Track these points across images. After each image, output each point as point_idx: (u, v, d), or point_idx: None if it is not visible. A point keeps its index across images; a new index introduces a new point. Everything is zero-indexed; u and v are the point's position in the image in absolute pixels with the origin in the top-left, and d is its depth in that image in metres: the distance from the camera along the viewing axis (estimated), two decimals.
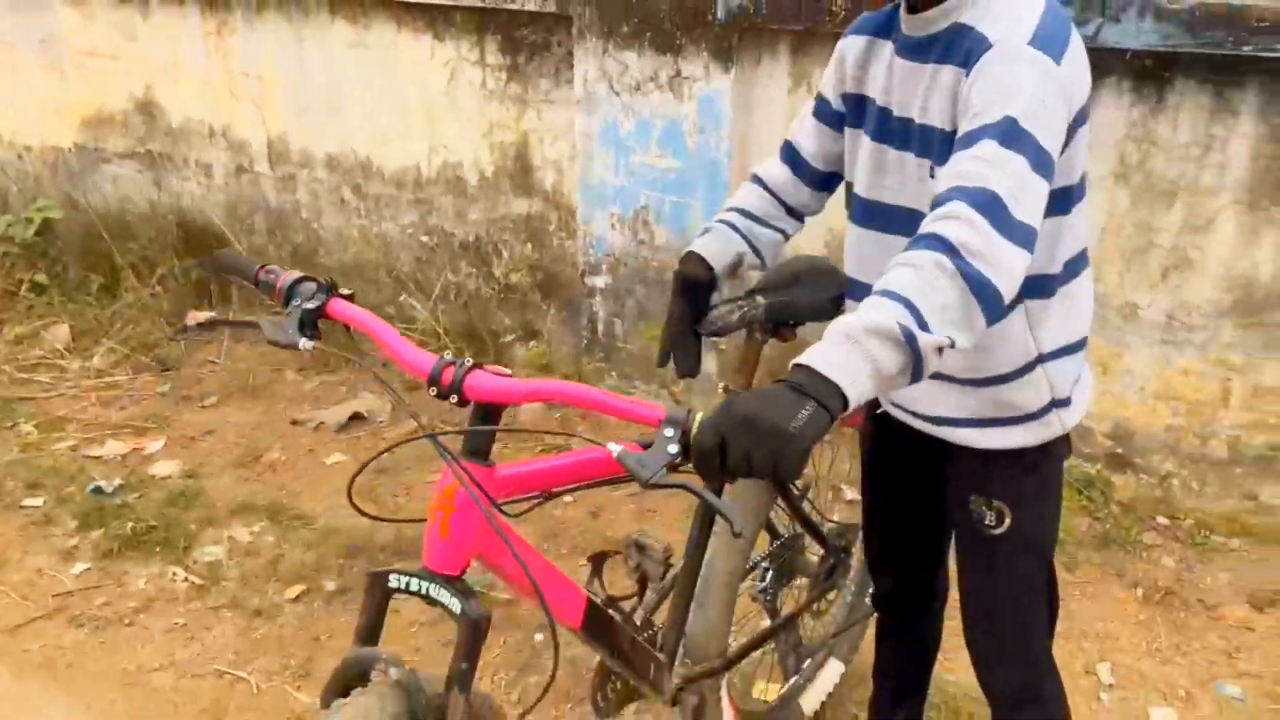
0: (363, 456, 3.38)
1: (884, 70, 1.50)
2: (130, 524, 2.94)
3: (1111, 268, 2.77)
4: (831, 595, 2.25)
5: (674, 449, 1.17)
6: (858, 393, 1.14)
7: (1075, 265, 1.50)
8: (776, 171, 1.74)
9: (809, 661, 2.26)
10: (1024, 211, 1.24)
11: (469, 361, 1.34)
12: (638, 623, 1.81)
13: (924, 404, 1.62)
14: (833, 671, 2.35)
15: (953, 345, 1.20)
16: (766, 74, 2.98)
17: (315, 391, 3.78)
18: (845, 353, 1.16)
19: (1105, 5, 2.51)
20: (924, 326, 1.17)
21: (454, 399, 1.31)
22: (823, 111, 1.64)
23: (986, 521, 1.62)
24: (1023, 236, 1.23)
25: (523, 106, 3.38)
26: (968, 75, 1.34)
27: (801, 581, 2.19)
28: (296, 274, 1.53)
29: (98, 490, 3.11)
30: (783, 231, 1.76)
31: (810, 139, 1.67)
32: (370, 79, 3.56)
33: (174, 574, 2.80)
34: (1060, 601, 1.74)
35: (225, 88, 3.83)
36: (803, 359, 1.15)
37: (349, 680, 1.34)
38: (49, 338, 4.02)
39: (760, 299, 1.73)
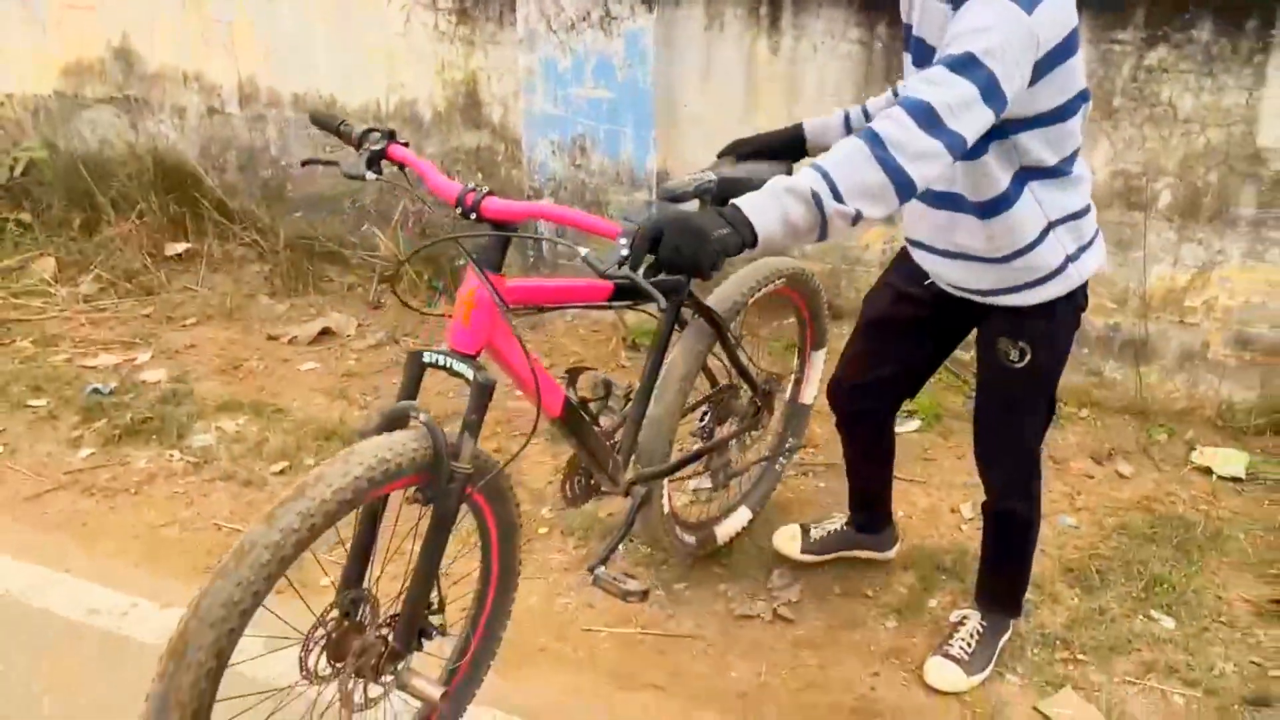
0: (334, 364, 3.79)
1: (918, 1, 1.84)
2: (129, 415, 3.32)
3: None
4: (756, 434, 2.72)
5: (625, 251, 1.51)
6: (766, 234, 1.49)
7: (1073, 157, 1.86)
8: (882, 98, 2.21)
9: (734, 482, 2.71)
10: (957, 124, 1.53)
11: (485, 189, 1.75)
12: (601, 427, 2.23)
13: (971, 281, 2.02)
14: (743, 515, 2.81)
15: (860, 216, 1.52)
16: (685, 14, 3.41)
17: (287, 313, 4.16)
18: (765, 201, 1.50)
19: None
20: (837, 197, 1.49)
21: (473, 216, 1.73)
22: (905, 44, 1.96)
23: (1010, 357, 2.02)
24: (948, 140, 1.53)
25: (471, 47, 3.78)
26: (954, 10, 1.64)
27: (733, 422, 2.65)
28: (365, 126, 1.91)
29: (95, 391, 3.48)
30: None
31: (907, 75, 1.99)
32: (333, 23, 3.93)
33: (171, 455, 3.19)
34: (1055, 415, 2.21)
35: (199, 35, 4.17)
36: (736, 200, 1.51)
37: (391, 424, 1.72)
38: (37, 269, 4.35)
39: (712, 174, 2.12)
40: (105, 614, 2.49)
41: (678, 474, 2.45)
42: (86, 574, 2.63)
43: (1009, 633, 2.41)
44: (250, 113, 4.25)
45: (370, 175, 1.87)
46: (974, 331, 2.17)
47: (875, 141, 1.52)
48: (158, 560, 2.72)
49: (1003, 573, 2.38)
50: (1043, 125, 1.75)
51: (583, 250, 1.63)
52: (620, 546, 2.43)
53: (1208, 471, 3.09)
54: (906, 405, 2.63)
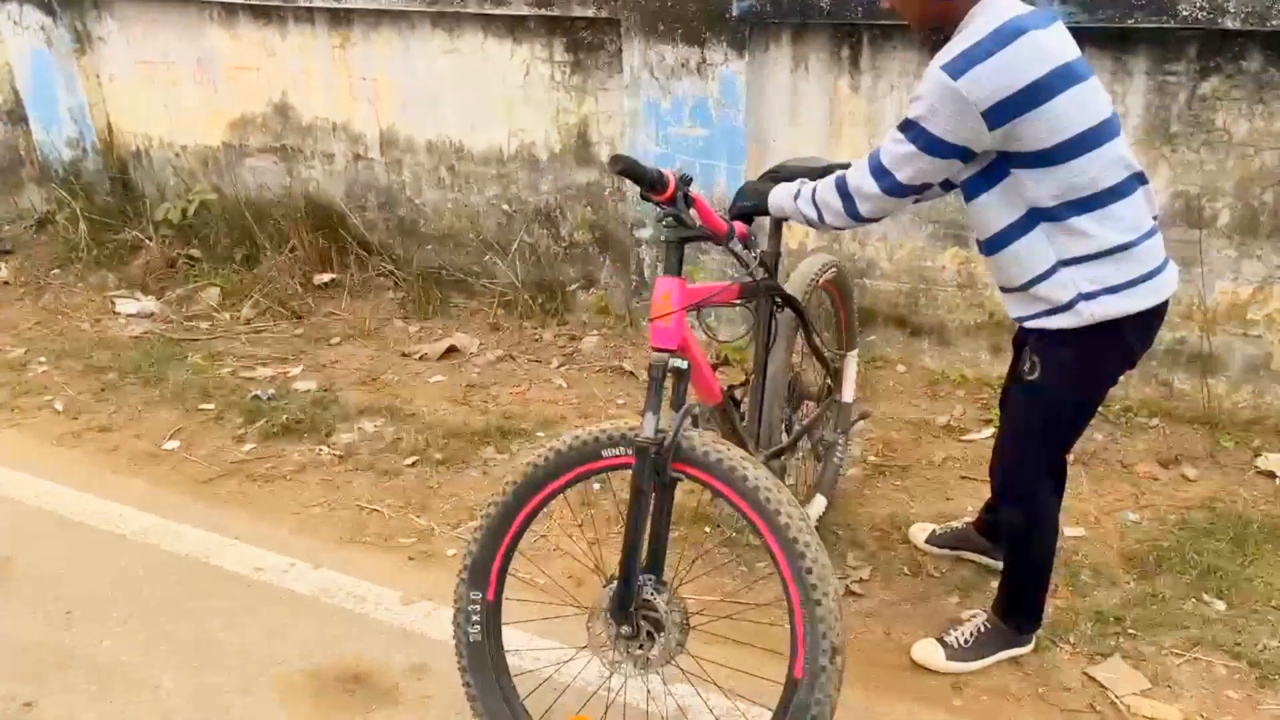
0: (458, 377, 4.24)
1: None
2: (284, 417, 3.82)
3: None
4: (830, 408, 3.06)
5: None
6: (776, 208, 2.33)
7: (1081, 203, 1.97)
8: None
9: (832, 449, 3.10)
10: (898, 173, 2.03)
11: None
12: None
13: (1013, 311, 2.21)
14: (819, 504, 3.10)
15: (821, 219, 2.21)
16: (773, 57, 3.78)
17: (418, 334, 4.64)
18: (787, 193, 2.31)
19: None
20: (810, 202, 2.22)
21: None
22: None
23: (1025, 367, 2.20)
24: (888, 184, 2.06)
25: (583, 94, 4.23)
26: None
27: (808, 405, 2.96)
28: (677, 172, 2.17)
29: (256, 397, 4.00)
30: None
31: None
32: (462, 78, 4.45)
33: (320, 450, 3.66)
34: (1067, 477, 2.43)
35: (346, 91, 4.75)
36: (773, 188, 2.33)
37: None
38: (204, 298, 4.96)
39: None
40: (269, 570, 2.94)
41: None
42: (252, 540, 3.10)
43: (1010, 650, 2.51)
44: (389, 158, 4.79)
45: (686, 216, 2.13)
46: None
47: (841, 178, 2.15)
48: (310, 531, 3.17)
49: (1007, 579, 2.51)
50: (1044, 165, 1.94)
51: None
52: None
53: (1271, 475, 3.24)
54: None
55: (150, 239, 5.23)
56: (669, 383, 2.03)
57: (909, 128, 1.98)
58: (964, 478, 3.35)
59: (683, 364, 2.04)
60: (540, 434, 3.72)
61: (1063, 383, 2.18)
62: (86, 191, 5.54)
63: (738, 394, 2.58)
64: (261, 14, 4.79)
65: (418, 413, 3.91)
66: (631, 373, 4.16)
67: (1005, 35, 1.88)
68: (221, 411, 3.95)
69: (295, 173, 5.08)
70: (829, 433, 3.08)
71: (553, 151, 4.39)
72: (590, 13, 3.99)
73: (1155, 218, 2.10)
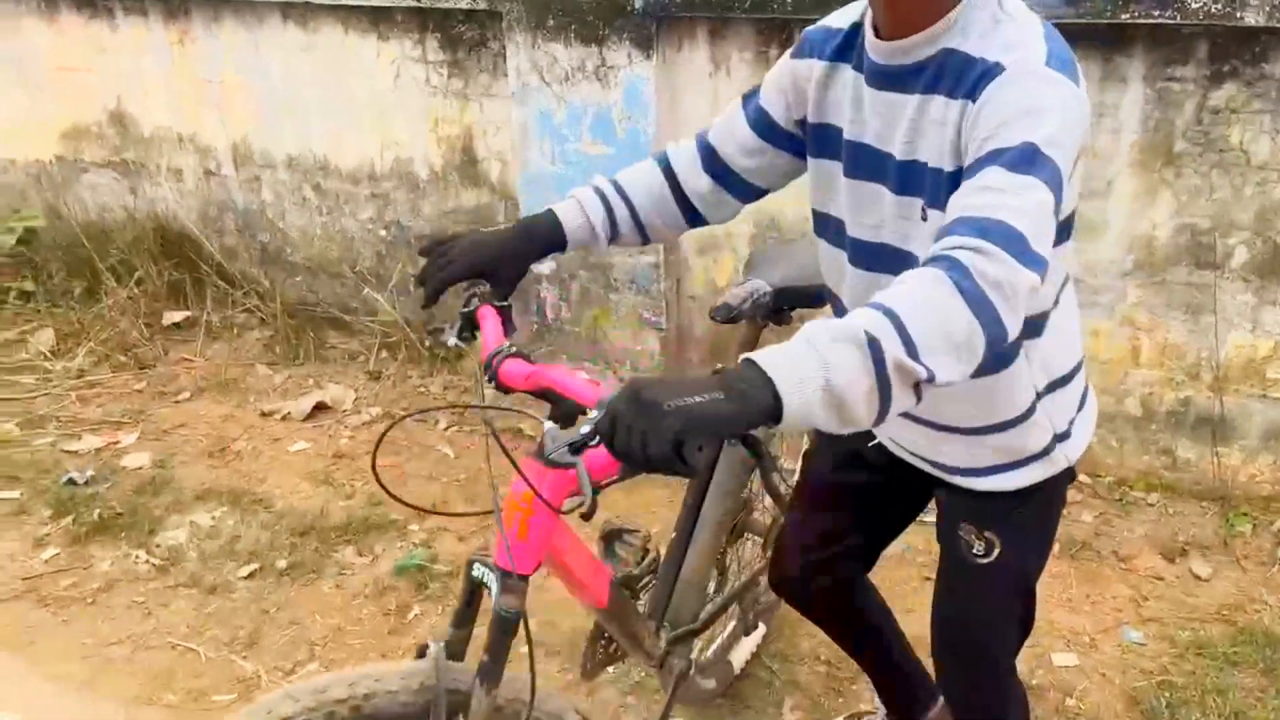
0: (325, 444, 3.54)
1: (849, 100, 1.38)
2: (99, 511, 3.09)
3: None
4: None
5: (587, 429, 1.11)
6: (800, 400, 0.98)
7: (1062, 295, 1.42)
8: (695, 177, 1.59)
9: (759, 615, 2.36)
10: (1041, 243, 1.11)
11: (511, 348, 1.43)
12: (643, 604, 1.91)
13: (926, 450, 1.55)
14: (756, 635, 2.46)
15: (932, 380, 1.03)
16: (686, 59, 3.09)
17: (284, 385, 3.92)
18: (797, 353, 1.00)
19: None
20: (910, 346, 1.01)
21: (493, 383, 1.43)
22: (763, 125, 1.52)
23: (975, 550, 1.55)
24: (1040, 269, 1.10)
25: (465, 101, 3.51)
26: (974, 102, 1.20)
27: (752, 540, 2.29)
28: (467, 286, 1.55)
29: (71, 481, 3.27)
30: (647, 238, 1.66)
31: (744, 153, 1.55)
32: (323, 80, 3.71)
33: (136, 556, 2.95)
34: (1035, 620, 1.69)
35: (190, 95, 3.99)
36: (758, 351, 1.02)
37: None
38: (34, 342, 4.19)
39: (765, 284, 1.83)
40: None
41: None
42: (22, 705, 2.39)
43: None
44: (245, 174, 4.05)
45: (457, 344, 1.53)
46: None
47: (959, 271, 1.06)
48: (100, 686, 2.47)
49: None
50: (1061, 241, 1.30)
51: (548, 424, 1.35)
52: (610, 669, 2.12)
53: None
54: None
55: None
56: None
57: (1034, 164, 1.13)
58: (927, 579, 2.73)
59: (511, 612, 1.37)
60: (413, 527, 3.04)
61: (1028, 550, 1.59)
62: None
63: (639, 572, 1.88)
64: (86, 3, 4.00)
65: (267, 496, 3.20)
66: (533, 437, 3.48)
67: (1065, 43, 1.25)
68: (26, 502, 3.21)
69: (140, 191, 4.31)
70: (766, 594, 2.31)
71: (433, 168, 3.68)
72: (465, 3, 3.27)
73: None
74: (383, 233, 3.89)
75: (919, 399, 1.04)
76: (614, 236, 1.63)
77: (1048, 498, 1.56)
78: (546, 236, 1.57)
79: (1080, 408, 1.52)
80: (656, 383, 1.01)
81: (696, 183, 1.59)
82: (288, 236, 4.10)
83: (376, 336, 3.97)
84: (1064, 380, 1.47)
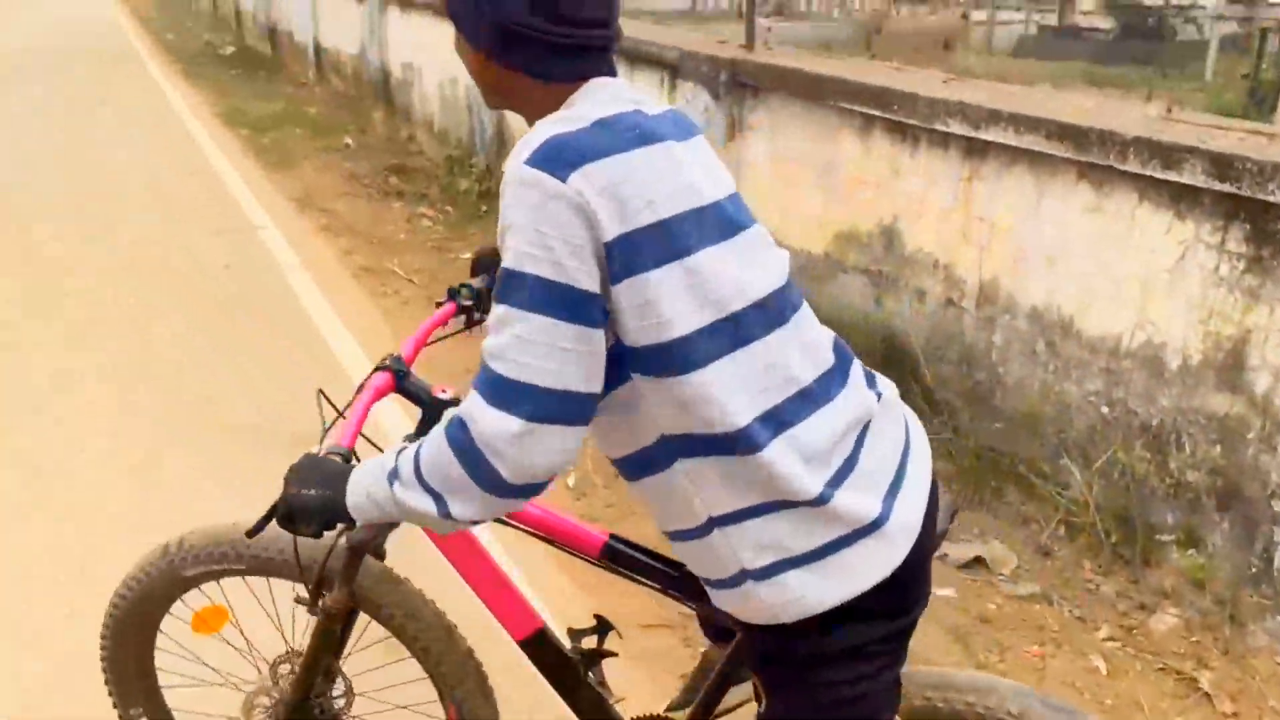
0: (972, 601, 3.40)
1: None
2: None
3: None
4: None
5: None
6: (354, 506, 1.35)
7: (723, 439, 1.30)
8: None
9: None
10: (528, 372, 1.19)
11: None
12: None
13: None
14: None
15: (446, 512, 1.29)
16: None
17: (953, 530, 3.88)
18: (369, 470, 1.37)
19: None
20: (420, 475, 1.27)
21: None
22: None
23: (755, 695, 1.50)
24: (513, 399, 1.20)
25: (1253, 301, 3.11)
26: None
27: None
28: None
29: None
30: None
31: None
32: (1096, 245, 3.58)
33: None
34: None
35: (959, 229, 4.14)
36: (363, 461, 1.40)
37: None
38: None
39: None
40: None
41: None
42: None
43: None
44: (984, 313, 4.08)
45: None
46: None
47: (450, 437, 1.36)
48: None
49: None
50: (647, 373, 1.33)
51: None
52: None
53: None
54: None
55: None
56: None
57: (506, 289, 1.33)
58: None
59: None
60: None
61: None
62: None
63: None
64: (896, 130, 4.39)
65: None
66: (1208, 694, 2.95)
67: (625, 125, 1.33)
68: None
69: (883, 302, 4.60)
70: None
71: (1187, 362, 3.33)
72: None
73: None
74: (1105, 410, 3.63)
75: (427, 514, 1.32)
76: None
77: (793, 663, 1.39)
78: None
79: (806, 557, 1.33)
80: (309, 462, 1.40)
81: None
82: (1003, 382, 4.04)
83: (1060, 510, 3.73)
84: (752, 513, 1.33)
